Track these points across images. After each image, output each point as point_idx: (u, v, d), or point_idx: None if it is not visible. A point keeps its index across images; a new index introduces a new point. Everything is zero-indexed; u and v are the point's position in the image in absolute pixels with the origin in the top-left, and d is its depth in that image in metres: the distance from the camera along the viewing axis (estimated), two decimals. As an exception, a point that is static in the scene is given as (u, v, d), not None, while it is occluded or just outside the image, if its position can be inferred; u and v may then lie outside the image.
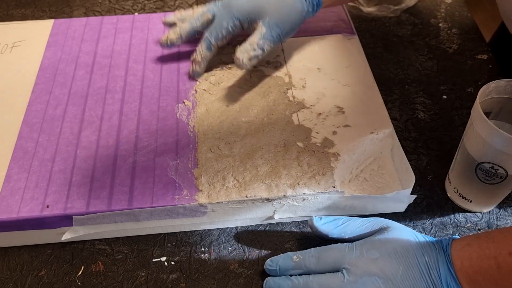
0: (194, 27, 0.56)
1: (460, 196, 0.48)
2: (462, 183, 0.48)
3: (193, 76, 0.56)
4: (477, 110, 0.42)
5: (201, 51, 0.54)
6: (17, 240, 0.46)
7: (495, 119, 0.46)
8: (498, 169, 0.43)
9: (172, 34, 0.56)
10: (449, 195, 0.50)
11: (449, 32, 0.68)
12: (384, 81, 0.61)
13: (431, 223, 0.48)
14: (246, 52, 0.51)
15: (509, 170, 0.42)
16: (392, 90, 0.60)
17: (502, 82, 0.44)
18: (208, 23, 0.55)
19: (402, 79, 0.62)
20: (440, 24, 0.70)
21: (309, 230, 0.48)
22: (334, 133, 0.50)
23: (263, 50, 0.52)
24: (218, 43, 0.54)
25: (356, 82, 0.56)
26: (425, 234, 0.48)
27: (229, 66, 0.58)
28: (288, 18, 0.53)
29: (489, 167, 0.43)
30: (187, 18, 0.58)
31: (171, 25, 0.60)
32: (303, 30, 0.63)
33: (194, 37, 0.56)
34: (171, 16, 0.60)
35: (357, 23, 0.70)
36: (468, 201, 0.48)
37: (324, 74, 0.57)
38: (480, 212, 0.49)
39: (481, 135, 0.42)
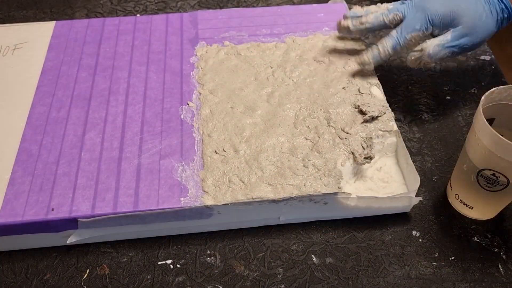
0: (381, 22, 0.54)
1: (461, 202, 0.48)
2: (464, 190, 0.47)
3: (359, 63, 0.55)
4: (479, 116, 0.42)
5: (387, 48, 0.52)
6: (22, 244, 0.46)
7: (498, 126, 0.46)
8: (499, 177, 0.43)
9: (355, 22, 0.55)
10: (450, 201, 0.50)
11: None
12: (388, 82, 0.61)
13: (436, 224, 0.48)
14: (415, 56, 0.52)
15: (510, 178, 0.42)
16: (395, 91, 0.60)
17: (505, 88, 0.44)
18: (397, 23, 0.53)
19: (405, 80, 0.62)
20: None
21: (315, 232, 0.48)
22: (340, 134, 0.50)
23: (431, 55, 0.51)
24: (406, 45, 0.52)
25: (359, 83, 0.56)
26: (430, 235, 0.48)
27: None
28: (480, 32, 0.51)
29: (491, 174, 0.43)
30: (372, 12, 0.55)
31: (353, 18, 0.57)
32: (303, 28, 0.63)
33: (375, 32, 0.55)
34: (352, 11, 0.57)
35: (360, 24, 0.70)
36: (469, 207, 0.48)
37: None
38: (481, 220, 0.49)
39: (483, 141, 0.42)
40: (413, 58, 0.52)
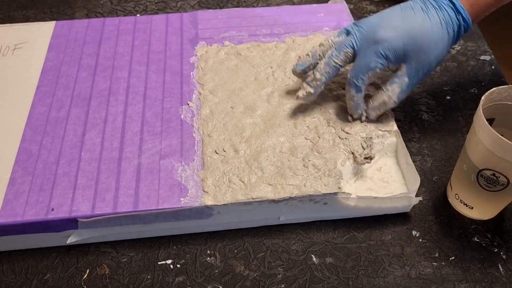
0: (334, 66, 0.49)
1: (462, 203, 0.48)
2: (464, 190, 0.47)
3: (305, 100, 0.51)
4: (479, 116, 0.42)
5: (353, 96, 0.49)
6: (22, 244, 0.46)
7: (498, 126, 0.46)
8: (499, 177, 0.43)
9: (312, 83, 0.49)
10: (450, 201, 0.50)
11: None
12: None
13: (436, 224, 0.48)
14: (379, 109, 0.49)
15: (510, 178, 0.42)
16: (395, 91, 0.60)
17: (505, 88, 0.44)
18: (351, 61, 0.49)
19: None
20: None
21: (315, 232, 0.48)
22: (340, 134, 0.50)
23: (396, 102, 0.49)
24: (367, 85, 0.49)
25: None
26: (430, 235, 0.48)
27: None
28: (433, 57, 0.47)
29: (491, 174, 0.43)
30: (320, 55, 0.50)
31: (305, 72, 0.52)
32: (303, 28, 0.63)
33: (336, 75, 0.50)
34: (300, 64, 0.51)
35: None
36: (469, 207, 0.48)
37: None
38: (481, 220, 0.49)
39: (483, 141, 0.42)
40: (378, 113, 0.50)
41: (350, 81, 0.48)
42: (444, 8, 0.47)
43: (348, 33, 0.50)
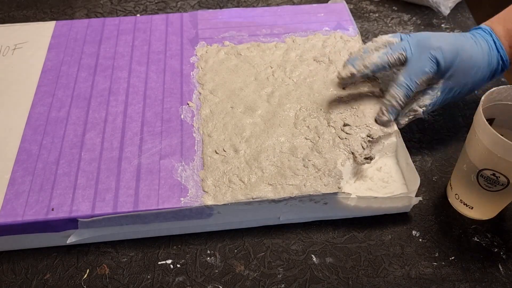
0: (386, 62, 0.49)
1: (462, 203, 0.48)
2: (464, 190, 0.47)
3: (381, 124, 0.50)
4: (479, 116, 0.42)
5: (400, 100, 0.48)
6: (22, 244, 0.46)
7: (498, 126, 0.46)
8: (499, 177, 0.43)
9: (359, 67, 0.50)
10: (450, 201, 0.50)
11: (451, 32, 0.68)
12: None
13: (436, 224, 0.48)
14: (408, 117, 0.50)
15: (510, 178, 0.42)
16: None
17: (505, 88, 0.44)
18: (401, 63, 0.49)
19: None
20: (442, 25, 0.70)
21: (315, 232, 0.48)
22: (339, 134, 0.50)
23: (424, 114, 0.49)
24: (417, 90, 0.49)
25: (359, 83, 0.56)
26: (430, 235, 0.48)
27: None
28: (470, 80, 0.49)
29: (491, 174, 0.43)
30: (371, 51, 0.51)
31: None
32: (303, 28, 0.63)
33: (380, 72, 0.51)
34: (351, 57, 0.51)
35: (360, 24, 0.70)
36: (469, 207, 0.48)
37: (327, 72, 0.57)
38: (481, 220, 0.49)
39: (483, 141, 0.42)
40: (406, 121, 0.50)
41: (401, 84, 0.48)
42: (490, 44, 0.50)
43: (401, 39, 0.51)
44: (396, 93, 0.49)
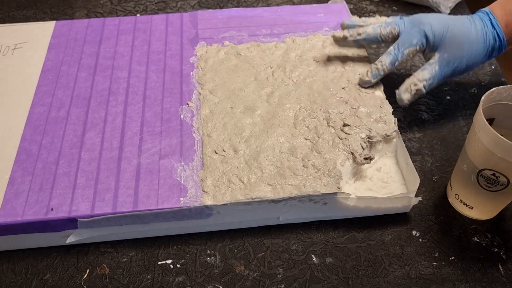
0: (378, 34, 0.54)
1: (462, 202, 0.48)
2: (464, 190, 0.47)
3: (362, 85, 0.55)
4: (479, 116, 0.42)
5: (385, 65, 0.53)
6: (21, 244, 0.46)
7: (498, 126, 0.46)
8: (499, 177, 0.43)
9: (352, 32, 0.55)
10: (450, 201, 0.50)
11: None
12: (388, 82, 0.61)
13: (436, 224, 0.48)
14: (409, 92, 0.51)
15: (510, 178, 0.42)
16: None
17: (505, 88, 0.44)
18: (393, 38, 0.54)
19: (405, 79, 0.62)
20: (442, 25, 0.70)
21: (315, 232, 0.48)
22: (339, 134, 0.50)
23: (425, 88, 0.51)
24: (403, 60, 0.53)
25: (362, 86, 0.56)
26: (430, 235, 0.48)
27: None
28: (466, 58, 0.51)
29: (491, 174, 0.43)
30: (369, 24, 0.55)
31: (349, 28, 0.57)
32: (303, 28, 0.63)
33: (372, 44, 0.57)
34: (350, 20, 0.57)
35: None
36: (469, 207, 0.48)
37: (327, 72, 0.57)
38: (481, 220, 0.49)
39: (483, 141, 0.42)
40: (408, 97, 0.52)
41: (389, 52, 0.53)
42: (485, 22, 0.52)
43: (400, 18, 0.55)
44: (383, 59, 0.53)
